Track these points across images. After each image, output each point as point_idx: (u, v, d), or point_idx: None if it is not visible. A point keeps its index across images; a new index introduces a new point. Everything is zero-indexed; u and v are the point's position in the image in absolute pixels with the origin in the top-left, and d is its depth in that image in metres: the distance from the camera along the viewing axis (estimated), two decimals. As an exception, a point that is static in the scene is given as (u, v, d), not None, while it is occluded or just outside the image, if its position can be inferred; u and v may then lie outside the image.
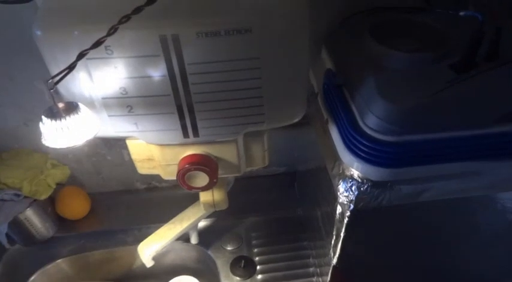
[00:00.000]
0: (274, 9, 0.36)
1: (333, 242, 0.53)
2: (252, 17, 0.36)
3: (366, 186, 0.44)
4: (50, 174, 0.75)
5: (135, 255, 0.80)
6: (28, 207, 0.71)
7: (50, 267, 0.77)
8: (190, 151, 0.48)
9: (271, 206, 0.82)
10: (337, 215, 0.49)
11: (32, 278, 0.75)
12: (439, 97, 0.40)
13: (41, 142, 0.70)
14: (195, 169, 0.46)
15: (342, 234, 0.50)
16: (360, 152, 0.43)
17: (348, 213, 0.46)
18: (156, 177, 0.84)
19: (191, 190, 0.49)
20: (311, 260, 0.74)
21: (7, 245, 0.71)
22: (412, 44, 0.46)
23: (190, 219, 0.65)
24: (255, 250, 0.76)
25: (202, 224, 0.78)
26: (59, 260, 0.77)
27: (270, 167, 0.86)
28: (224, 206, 0.59)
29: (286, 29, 0.37)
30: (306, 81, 0.44)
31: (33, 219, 0.74)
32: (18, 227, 0.72)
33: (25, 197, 0.71)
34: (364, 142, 0.42)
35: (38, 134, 0.63)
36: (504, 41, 0.41)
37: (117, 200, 0.84)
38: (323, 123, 0.53)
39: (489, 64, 0.41)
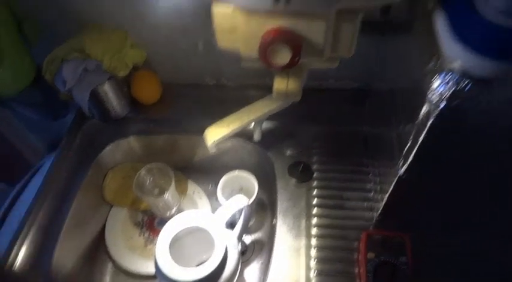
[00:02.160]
0: None
1: (406, 148, 0.50)
2: None
3: (466, 82, 0.40)
4: (128, 53, 0.77)
5: (196, 146, 0.83)
6: (107, 80, 0.75)
7: (121, 142, 0.82)
8: (276, 23, 0.45)
9: (337, 119, 0.79)
10: (421, 116, 0.45)
11: (105, 149, 0.81)
12: None
13: (123, 20, 0.70)
14: (279, 42, 0.44)
15: (420, 139, 0.47)
16: (473, 41, 0.37)
17: (437, 112, 0.42)
18: (227, 74, 0.84)
19: (270, 66, 0.47)
20: (370, 176, 0.72)
21: (88, 113, 0.76)
22: None
23: (258, 112, 0.65)
24: (315, 158, 0.75)
25: (266, 125, 0.77)
26: (130, 137, 0.82)
27: (343, 80, 0.81)
28: (297, 97, 0.57)
29: None
30: None
31: (110, 94, 0.77)
32: (97, 100, 0.76)
33: (105, 71, 0.75)
34: (478, 27, 0.37)
35: (123, 11, 0.61)
36: None
37: (187, 92, 0.86)
38: (427, 12, 0.47)
39: None
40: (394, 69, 0.66)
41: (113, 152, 0.82)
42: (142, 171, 0.73)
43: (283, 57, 0.45)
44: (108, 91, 0.77)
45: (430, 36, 0.44)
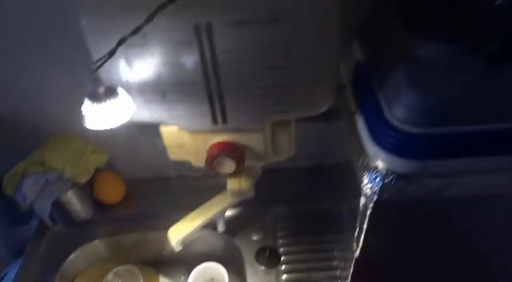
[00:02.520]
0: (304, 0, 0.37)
1: (355, 234, 0.54)
2: (282, 6, 0.37)
3: (390, 178, 0.44)
4: (89, 159, 0.79)
5: (164, 240, 0.83)
6: (69, 189, 0.76)
7: (87, 247, 0.82)
8: (219, 138, 0.50)
9: (297, 199, 0.83)
10: (361, 207, 0.49)
11: (71, 256, 0.80)
12: (471, 89, 0.40)
13: (83, 128, 0.75)
14: (223, 156, 0.48)
15: (364, 226, 0.51)
16: (385, 144, 0.43)
17: (372, 205, 0.47)
18: (187, 166, 0.87)
19: (218, 176, 0.51)
20: (335, 253, 0.74)
21: (50, 224, 0.76)
22: (444, 34, 0.45)
23: (218, 207, 0.68)
24: (280, 241, 0.77)
25: (229, 213, 0.80)
26: (96, 241, 0.82)
27: (298, 160, 0.86)
28: (250, 194, 0.60)
29: (316, 19, 0.38)
30: (333, 71, 0.45)
31: (74, 201, 0.79)
32: (59, 208, 0.77)
33: (66, 179, 0.77)
34: (391, 133, 0.42)
35: (81, 120, 0.67)
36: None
37: (150, 186, 0.88)
38: (351, 115, 0.53)
39: (525, 56, 0.40)
40: (341, 148, 0.72)
41: (79, 258, 0.81)
42: (110, 276, 0.73)
43: (229, 167, 0.49)
44: (71, 198, 0.78)
45: (357, 134, 0.50)
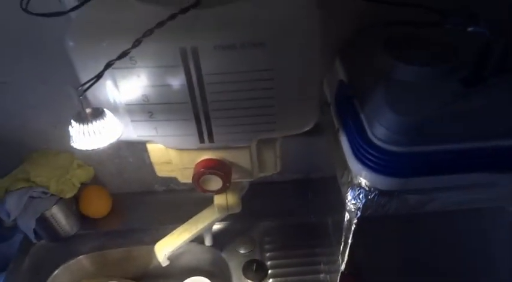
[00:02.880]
0: (288, 24, 0.39)
1: (341, 248, 0.55)
2: (267, 31, 0.38)
3: (373, 195, 0.46)
4: (75, 174, 0.79)
5: (151, 254, 0.83)
6: (54, 204, 0.75)
7: (72, 263, 0.80)
8: (206, 156, 0.50)
9: (284, 212, 0.83)
10: (345, 222, 0.51)
11: (56, 272, 0.79)
12: (447, 110, 0.41)
13: (68, 143, 0.75)
14: (210, 173, 0.49)
15: (349, 241, 0.52)
16: (368, 162, 0.44)
17: (355, 221, 0.48)
18: (174, 180, 0.87)
19: (205, 193, 0.52)
20: (322, 266, 0.75)
21: (34, 240, 0.75)
22: (423, 57, 0.47)
23: (205, 221, 0.68)
24: (268, 254, 0.77)
25: (217, 226, 0.80)
26: (81, 257, 0.81)
27: (285, 174, 0.87)
28: (237, 210, 0.61)
29: (300, 43, 0.40)
30: (316, 91, 0.46)
31: (59, 216, 0.78)
32: (44, 224, 0.76)
33: (51, 195, 0.76)
34: (372, 152, 0.44)
35: (66, 135, 0.66)
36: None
37: (137, 200, 0.88)
38: (335, 133, 0.55)
39: (497, 78, 0.42)
40: (327, 162, 0.73)
41: (64, 274, 0.80)
42: (96, 293, 0.72)
43: (215, 184, 0.50)
44: (56, 213, 0.77)
45: (340, 151, 0.51)
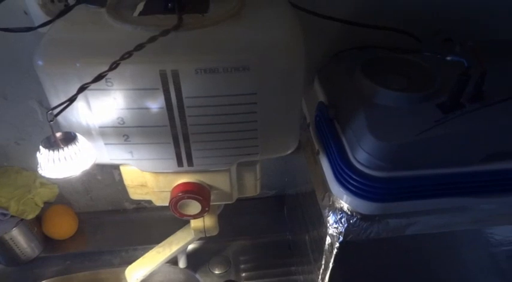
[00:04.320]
0: (272, 48, 0.38)
1: (321, 271, 0.54)
2: (250, 55, 0.37)
3: (355, 219, 0.45)
4: (38, 193, 0.74)
5: (121, 278, 0.79)
6: (14, 227, 0.70)
7: (33, 289, 0.75)
8: (183, 179, 0.48)
9: (259, 230, 0.82)
10: (326, 246, 0.50)
11: (14, 300, 0.73)
12: (427, 135, 0.42)
13: (31, 160, 0.70)
14: (188, 197, 0.47)
15: (330, 265, 0.51)
16: (349, 186, 0.44)
17: (337, 245, 0.47)
18: (146, 198, 0.84)
19: (183, 217, 0.49)
20: (299, 285, 0.74)
21: (-10, 265, 0.69)
22: (401, 82, 0.48)
23: (179, 243, 0.65)
24: (243, 274, 0.75)
25: (190, 246, 0.77)
26: None
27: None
28: (214, 232, 0.59)
29: (283, 67, 0.39)
30: (299, 115, 0.45)
31: (19, 239, 0.73)
32: (2, 247, 0.71)
33: (11, 216, 0.71)
34: (354, 176, 0.43)
35: (28, 152, 0.62)
36: (488, 82, 0.44)
37: (105, 219, 0.84)
38: (314, 153, 0.54)
39: (474, 105, 0.43)
40: (301, 178, 0.73)
41: (24, 302, 0.74)
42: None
43: (194, 209, 0.48)
44: (16, 236, 0.72)
45: (321, 173, 0.51)
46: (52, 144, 0.36)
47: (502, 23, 0.62)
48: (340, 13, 0.54)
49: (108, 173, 0.78)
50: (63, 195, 0.80)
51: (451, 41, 0.53)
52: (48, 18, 0.41)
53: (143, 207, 0.86)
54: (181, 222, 0.71)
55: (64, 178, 0.36)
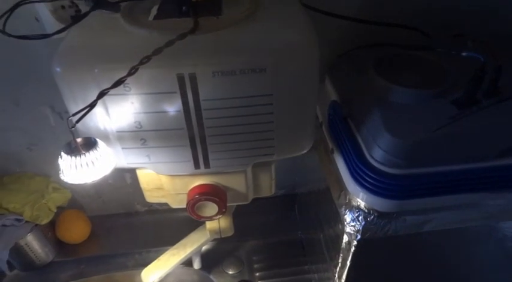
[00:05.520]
0: (289, 50, 0.38)
1: (338, 269, 0.54)
2: (267, 57, 0.37)
3: (372, 217, 0.46)
4: (51, 198, 0.74)
5: (135, 279, 0.79)
6: (29, 232, 0.71)
7: (48, 293, 0.75)
8: (199, 181, 0.48)
9: (272, 229, 0.82)
10: (344, 244, 0.50)
11: (30, 304, 0.74)
12: (442, 132, 0.42)
13: (42, 166, 0.70)
14: (205, 199, 0.47)
15: (348, 263, 0.51)
16: (366, 184, 0.44)
17: (355, 243, 0.47)
18: (158, 200, 0.85)
19: (200, 219, 0.50)
20: (313, 284, 0.74)
21: (8, 272, 0.70)
22: (415, 79, 0.48)
23: (194, 245, 0.66)
24: (257, 274, 0.76)
25: (203, 248, 0.77)
26: (58, 286, 0.76)
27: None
28: (230, 233, 0.59)
29: (299, 68, 0.39)
30: (314, 115, 0.45)
31: (34, 244, 0.73)
32: (17, 253, 0.71)
33: (26, 221, 0.71)
34: (371, 174, 0.44)
35: (42, 157, 0.62)
36: (503, 77, 0.43)
37: (118, 222, 0.84)
38: (328, 152, 0.54)
39: (489, 100, 0.43)
40: (312, 177, 0.73)
41: (40, 307, 0.75)
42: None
43: (210, 211, 0.48)
44: (31, 241, 0.72)
45: (336, 171, 0.51)
46: (73, 150, 0.36)
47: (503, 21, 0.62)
48: (345, 11, 0.54)
49: (119, 176, 0.79)
50: (76, 199, 0.81)
51: (461, 37, 0.53)
52: (60, 25, 0.41)
53: (155, 209, 0.86)
54: (193, 224, 0.71)
55: (85, 183, 0.36)
